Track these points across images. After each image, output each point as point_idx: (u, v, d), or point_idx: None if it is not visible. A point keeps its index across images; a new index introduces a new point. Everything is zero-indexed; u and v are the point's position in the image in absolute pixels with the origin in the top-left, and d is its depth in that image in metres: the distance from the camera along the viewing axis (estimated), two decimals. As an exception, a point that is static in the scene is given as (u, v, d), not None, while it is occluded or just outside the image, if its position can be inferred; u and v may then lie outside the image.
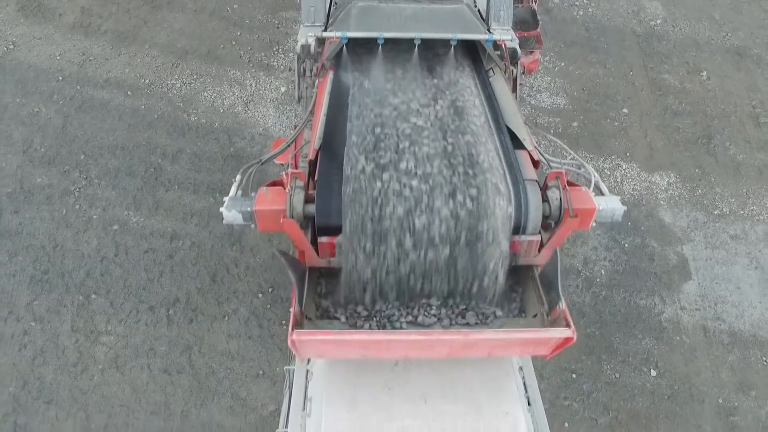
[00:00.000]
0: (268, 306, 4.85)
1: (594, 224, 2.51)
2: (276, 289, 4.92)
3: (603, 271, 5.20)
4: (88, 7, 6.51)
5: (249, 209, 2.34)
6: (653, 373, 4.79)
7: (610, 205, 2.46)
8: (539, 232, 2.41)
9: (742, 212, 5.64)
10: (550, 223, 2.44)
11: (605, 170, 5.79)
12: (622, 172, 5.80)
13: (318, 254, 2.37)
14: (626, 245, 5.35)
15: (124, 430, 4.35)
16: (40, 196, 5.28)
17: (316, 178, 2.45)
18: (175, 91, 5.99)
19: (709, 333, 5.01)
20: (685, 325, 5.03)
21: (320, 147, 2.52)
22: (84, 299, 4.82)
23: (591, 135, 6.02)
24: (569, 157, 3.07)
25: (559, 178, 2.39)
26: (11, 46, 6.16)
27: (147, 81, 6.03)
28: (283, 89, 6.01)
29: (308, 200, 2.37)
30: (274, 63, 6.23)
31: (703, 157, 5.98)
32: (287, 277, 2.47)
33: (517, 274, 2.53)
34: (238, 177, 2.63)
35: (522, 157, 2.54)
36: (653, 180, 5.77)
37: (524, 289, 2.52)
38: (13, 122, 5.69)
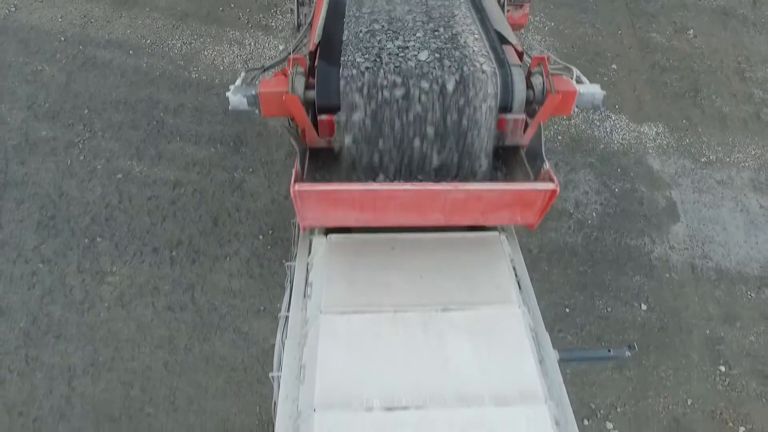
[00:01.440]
0: (269, 247, 4.99)
1: (576, 109, 2.66)
2: (276, 231, 5.06)
3: (594, 214, 5.36)
4: (89, -27, 6.66)
5: (253, 92, 2.48)
6: (644, 307, 4.95)
7: (590, 90, 2.62)
8: (524, 113, 2.56)
9: (728, 160, 5.82)
10: (534, 108, 2.59)
11: (595, 121, 5.95)
12: (612, 122, 5.96)
13: (318, 133, 2.52)
14: (616, 190, 5.51)
15: (130, 363, 4.48)
16: (45, 148, 5.41)
17: (316, 64, 2.59)
18: (176, 51, 6.13)
19: (697, 270, 5.17)
20: (674, 263, 5.18)
21: (320, 42, 2.67)
22: (89, 242, 4.96)
23: (581, 89, 6.17)
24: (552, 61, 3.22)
25: (542, 63, 2.53)
26: (13, 9, 6.29)
27: (148, 41, 6.17)
28: (281, 47, 6.17)
29: (308, 87, 2.51)
30: (273, 24, 6.38)
31: (690, 109, 6.15)
32: (291, 146, 2.61)
33: (505, 155, 2.68)
34: (243, 74, 2.77)
35: (507, 48, 2.69)
36: (642, 130, 5.94)
37: (511, 170, 2.67)
38: (17, 80, 5.82)
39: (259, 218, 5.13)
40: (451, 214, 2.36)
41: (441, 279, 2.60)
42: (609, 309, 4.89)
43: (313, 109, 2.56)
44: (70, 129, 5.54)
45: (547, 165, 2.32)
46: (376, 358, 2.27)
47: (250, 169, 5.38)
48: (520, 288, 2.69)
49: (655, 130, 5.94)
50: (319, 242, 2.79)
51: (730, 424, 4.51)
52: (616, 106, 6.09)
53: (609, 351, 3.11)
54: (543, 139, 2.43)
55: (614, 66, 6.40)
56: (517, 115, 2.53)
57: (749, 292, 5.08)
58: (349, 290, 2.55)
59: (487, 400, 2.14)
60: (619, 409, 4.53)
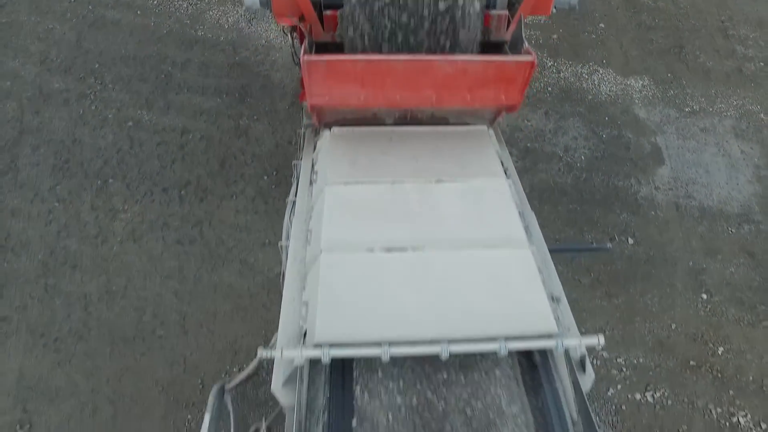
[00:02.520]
0: (273, 186, 5.24)
1: (554, 10, 2.92)
2: (280, 172, 5.31)
3: (583, 157, 5.62)
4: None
5: None
6: (630, 241, 5.20)
7: None
8: (506, 10, 2.82)
9: (711, 109, 6.09)
10: (515, 7, 2.85)
11: (583, 74, 6.23)
12: (600, 76, 6.24)
13: (323, 28, 2.78)
14: (604, 136, 5.78)
15: (142, 291, 4.72)
16: (58, 99, 5.67)
17: None
18: (182, 11, 6.40)
19: (681, 208, 5.43)
20: (659, 202, 5.44)
21: None
22: (102, 183, 5.21)
23: (570, 46, 6.47)
24: None
25: None
26: (26, -27, 6.56)
27: (155, 2, 6.45)
28: (282, 7, 6.43)
29: None
30: (274, -14, 6.64)
31: (674, 64, 6.43)
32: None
33: (491, 51, 2.94)
34: None
35: None
36: (628, 83, 6.21)
37: None
38: (29, 37, 6.08)
39: (264, 161, 5.38)
40: (442, 91, 2.62)
41: (435, 161, 2.87)
42: (598, 242, 5.14)
43: (319, 7, 2.82)
44: (82, 82, 5.80)
45: (526, 44, 2.58)
46: (377, 217, 2.53)
47: (255, 117, 5.63)
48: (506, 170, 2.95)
49: (641, 82, 6.21)
50: (324, 136, 3.06)
51: (711, 345, 4.76)
52: (604, 61, 6.36)
53: (592, 243, 3.36)
54: (522, 29, 2.69)
55: (602, 25, 6.68)
56: (501, 11, 2.79)
57: (730, 228, 5.33)
58: (351, 168, 2.81)
59: (477, 244, 2.40)
60: (607, 333, 4.78)
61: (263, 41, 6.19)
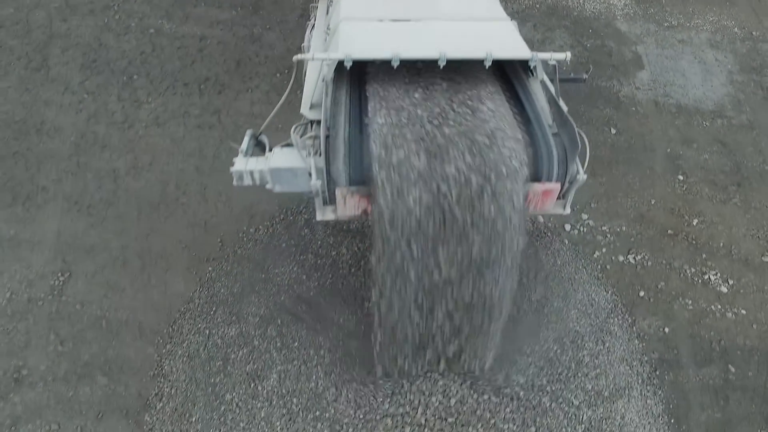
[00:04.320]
0: (285, 82, 5.69)
1: None
2: (291, 71, 5.75)
3: (568, 62, 6.08)
4: None
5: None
6: (613, 131, 5.67)
7: None
8: None
9: (688, 24, 6.59)
10: None
11: (570, -7, 6.73)
12: (584, -5, 6.75)
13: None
14: (588, 45, 6.27)
15: (166, 166, 5.15)
16: (84, 10, 6.13)
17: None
18: (197, -61, 6.88)
19: (659, 105, 5.91)
20: (639, 100, 5.92)
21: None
22: (127, 79, 5.66)
23: (558, -31, 6.98)
24: None
25: None
26: None
27: (172, -68, 6.93)
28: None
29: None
30: None
31: (654, -13, 6.94)
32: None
33: None
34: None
35: None
36: (611, 2, 6.71)
37: None
38: (57, -40, 6.55)
39: (276, 62, 5.85)
40: None
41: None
42: (583, 131, 5.60)
43: None
44: (106, -5, 6.27)
45: None
46: (386, 3, 2.99)
47: (268, 26, 6.11)
48: None
49: (623, 1, 6.72)
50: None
51: (686, 218, 5.21)
52: (588, -17, 6.87)
53: (570, 74, 3.82)
54: None
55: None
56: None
57: (704, 122, 5.81)
58: None
59: (471, 19, 2.87)
60: (593, 205, 5.23)
61: (274, -35, 6.68)
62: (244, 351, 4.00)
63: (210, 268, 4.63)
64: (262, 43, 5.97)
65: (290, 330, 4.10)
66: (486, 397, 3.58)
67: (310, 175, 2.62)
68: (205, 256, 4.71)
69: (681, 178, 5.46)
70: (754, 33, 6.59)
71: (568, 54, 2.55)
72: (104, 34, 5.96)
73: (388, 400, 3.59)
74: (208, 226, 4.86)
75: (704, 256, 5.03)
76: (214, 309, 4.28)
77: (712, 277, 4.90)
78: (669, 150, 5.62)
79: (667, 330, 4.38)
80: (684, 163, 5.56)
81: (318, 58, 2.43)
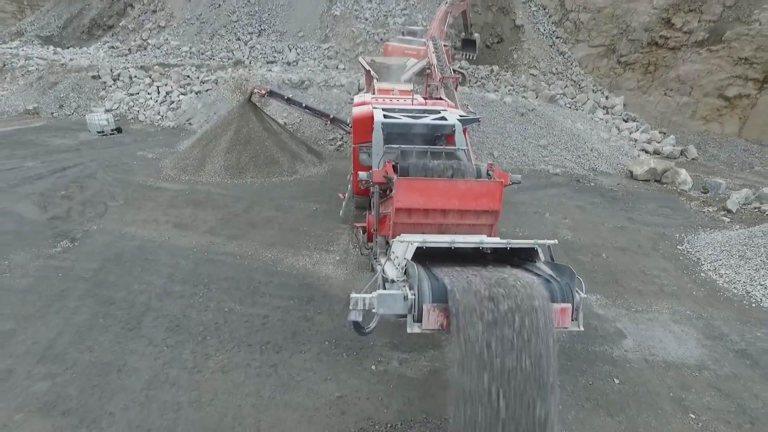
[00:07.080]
0: (333, 348, 6.82)
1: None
2: (339, 342, 6.97)
3: (564, 336, 7.37)
4: (215, 225, 10.38)
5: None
6: (617, 381, 6.47)
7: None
8: None
9: (650, 309, 8.15)
10: None
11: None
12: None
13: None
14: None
15: (226, 403, 5.76)
16: (176, 294, 7.78)
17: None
18: (268, 258, 9.19)
19: (649, 361, 6.86)
20: (631, 359, 6.91)
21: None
22: (201, 339, 6.81)
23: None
24: None
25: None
26: (167, 238, 9.67)
27: (250, 253, 9.31)
28: (337, 257, 9.28)
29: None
30: (331, 248, 9.69)
31: (615, 289, 8.85)
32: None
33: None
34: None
35: None
36: (589, 298, 8.49)
37: None
38: (163, 267, 8.64)
39: (325, 335, 7.12)
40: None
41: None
42: (590, 382, 6.43)
43: None
44: (194, 287, 8.05)
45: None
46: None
47: (318, 311, 7.64)
48: None
49: (595, 297, 8.53)
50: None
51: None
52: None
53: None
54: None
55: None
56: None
57: (693, 373, 6.70)
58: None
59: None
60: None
61: (323, 274, 8.76)
62: None
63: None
64: (314, 321, 7.39)
65: None
66: None
67: (405, 298, 3.74)
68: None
69: (693, 416, 6.01)
70: (703, 315, 8.16)
71: (555, 241, 4.15)
72: (188, 310, 7.44)
73: None
74: (260, 455, 5.14)
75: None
76: None
77: None
78: (671, 394, 6.33)
79: None
80: (690, 404, 6.19)
81: (406, 241, 3.98)
